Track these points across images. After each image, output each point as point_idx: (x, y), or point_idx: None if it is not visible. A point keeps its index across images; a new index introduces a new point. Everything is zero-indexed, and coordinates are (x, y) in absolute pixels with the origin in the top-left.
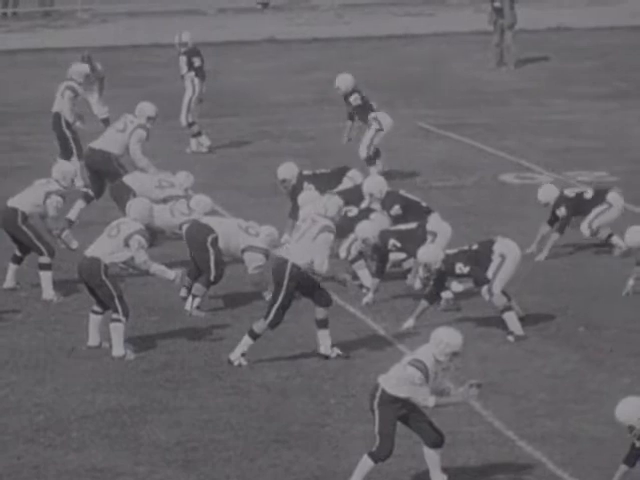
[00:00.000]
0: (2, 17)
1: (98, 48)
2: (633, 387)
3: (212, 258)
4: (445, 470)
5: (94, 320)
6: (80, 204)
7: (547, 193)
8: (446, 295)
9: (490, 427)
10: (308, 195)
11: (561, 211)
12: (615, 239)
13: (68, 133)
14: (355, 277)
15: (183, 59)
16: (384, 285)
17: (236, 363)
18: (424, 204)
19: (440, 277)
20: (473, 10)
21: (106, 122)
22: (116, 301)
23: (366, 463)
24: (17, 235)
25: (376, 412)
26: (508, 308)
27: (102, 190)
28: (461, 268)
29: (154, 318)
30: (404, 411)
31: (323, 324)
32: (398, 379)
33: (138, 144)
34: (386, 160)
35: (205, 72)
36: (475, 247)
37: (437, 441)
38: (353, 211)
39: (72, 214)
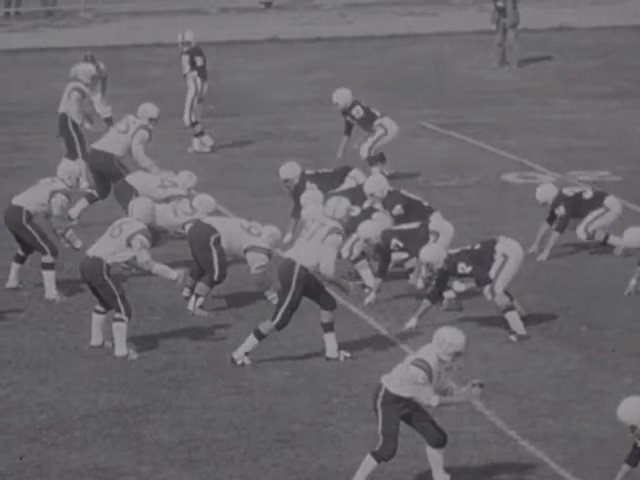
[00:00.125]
0: (5, 16)
1: (101, 47)
2: (635, 387)
3: (215, 258)
4: (448, 470)
5: (97, 320)
6: (83, 203)
7: (545, 193)
8: (448, 295)
9: (492, 427)
10: (311, 195)
11: (560, 210)
12: (612, 239)
13: (74, 134)
14: (357, 277)
15: (186, 58)
16: (386, 285)
17: (239, 362)
18: (426, 203)
19: (442, 277)
20: (476, 9)
21: (109, 121)
22: (118, 301)
23: (369, 463)
24: (21, 234)
25: (379, 412)
26: (510, 308)
27: (107, 191)
28: (463, 268)
29: (157, 318)
30: (407, 411)
31: (329, 327)
32: (401, 379)
33: (140, 145)
34: (390, 163)
35: (207, 72)
36: (477, 247)
37: (440, 441)
38: (355, 211)
39: (73, 212)
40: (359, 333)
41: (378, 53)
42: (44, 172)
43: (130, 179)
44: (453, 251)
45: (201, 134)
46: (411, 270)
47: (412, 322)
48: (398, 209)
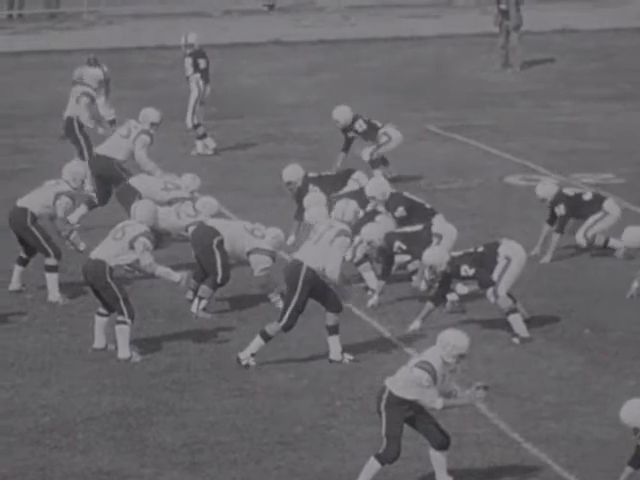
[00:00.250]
0: (8, 19)
1: (104, 50)
2: (638, 389)
3: (218, 260)
4: (451, 472)
5: (100, 322)
6: (82, 209)
7: (545, 188)
8: (451, 297)
9: (496, 429)
10: (314, 197)
11: (560, 209)
12: (612, 242)
13: (81, 137)
14: (360, 279)
15: (189, 61)
16: (389, 287)
17: (244, 363)
18: (428, 206)
19: (445, 279)
20: (479, 12)
21: (113, 124)
22: (121, 303)
23: (373, 465)
24: (25, 236)
25: (383, 414)
26: (513, 310)
27: (108, 196)
28: (466, 270)
29: (160, 320)
30: (411, 413)
31: (334, 330)
32: (405, 381)
33: (143, 149)
34: (393, 166)
35: (210, 74)
36: (480, 249)
37: (443, 443)
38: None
39: (72, 218)
40: (362, 336)
41: (381, 56)
42: (47, 175)
43: (133, 181)
44: (456, 253)
45: (204, 137)
46: (414, 272)
47: (415, 324)
48: (401, 211)
